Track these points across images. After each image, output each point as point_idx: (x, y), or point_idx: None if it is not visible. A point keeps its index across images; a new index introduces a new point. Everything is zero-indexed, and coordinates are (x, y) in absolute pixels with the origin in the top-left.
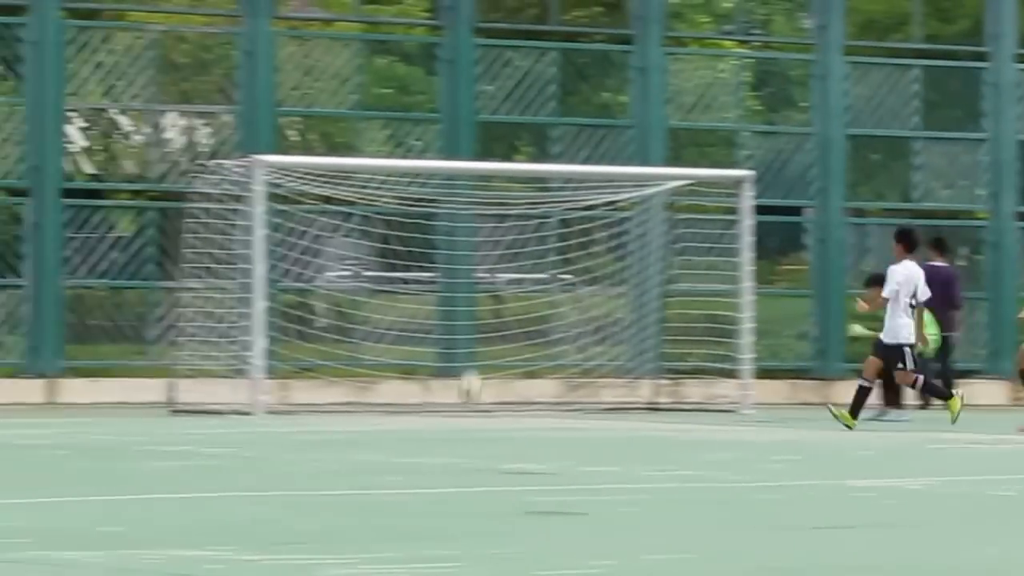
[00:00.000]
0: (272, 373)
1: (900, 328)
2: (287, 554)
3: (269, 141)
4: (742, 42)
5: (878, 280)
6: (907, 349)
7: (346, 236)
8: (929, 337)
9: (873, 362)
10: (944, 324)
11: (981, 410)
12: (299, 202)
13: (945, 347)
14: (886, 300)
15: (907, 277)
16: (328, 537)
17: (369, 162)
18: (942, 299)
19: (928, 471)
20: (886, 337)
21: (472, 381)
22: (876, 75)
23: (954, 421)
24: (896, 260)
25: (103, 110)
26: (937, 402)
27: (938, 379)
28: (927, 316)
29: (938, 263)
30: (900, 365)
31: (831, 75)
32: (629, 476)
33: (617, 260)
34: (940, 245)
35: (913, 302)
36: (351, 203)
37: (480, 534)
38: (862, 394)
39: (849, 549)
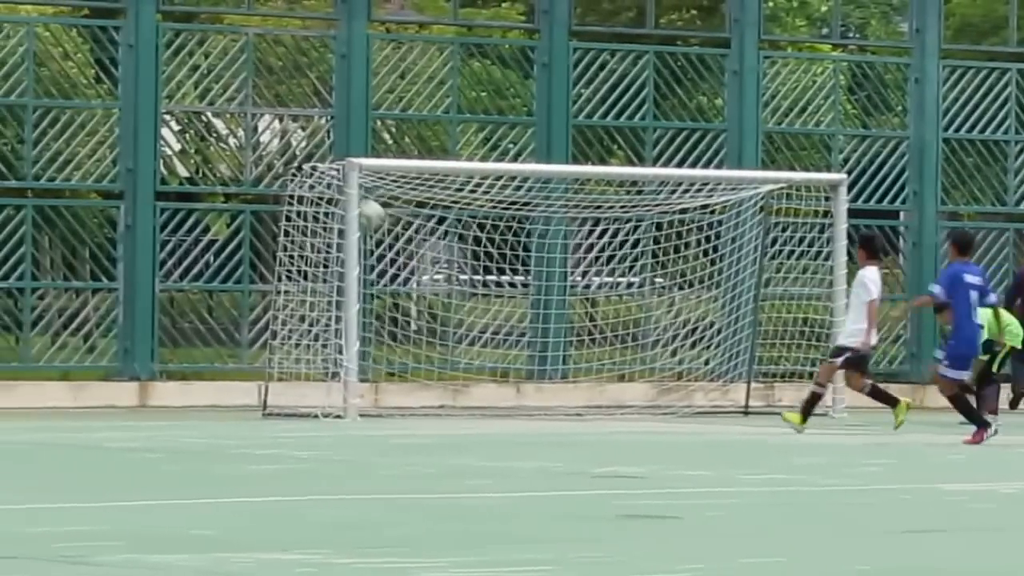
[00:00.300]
0: (365, 376)
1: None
2: (379, 558)
3: (364, 144)
4: (838, 45)
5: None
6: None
7: (440, 239)
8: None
9: (854, 376)
10: None
11: None
12: (394, 205)
13: None
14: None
15: (879, 282)
16: (420, 541)
17: (464, 165)
18: None
19: (1021, 475)
20: (860, 340)
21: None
22: (972, 79)
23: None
24: (861, 266)
25: (198, 113)
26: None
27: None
28: (1002, 313)
29: None
30: (838, 361)
31: (927, 79)
32: (721, 480)
33: (710, 263)
34: None
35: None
36: (445, 206)
37: (572, 538)
38: (878, 395)
39: (942, 553)
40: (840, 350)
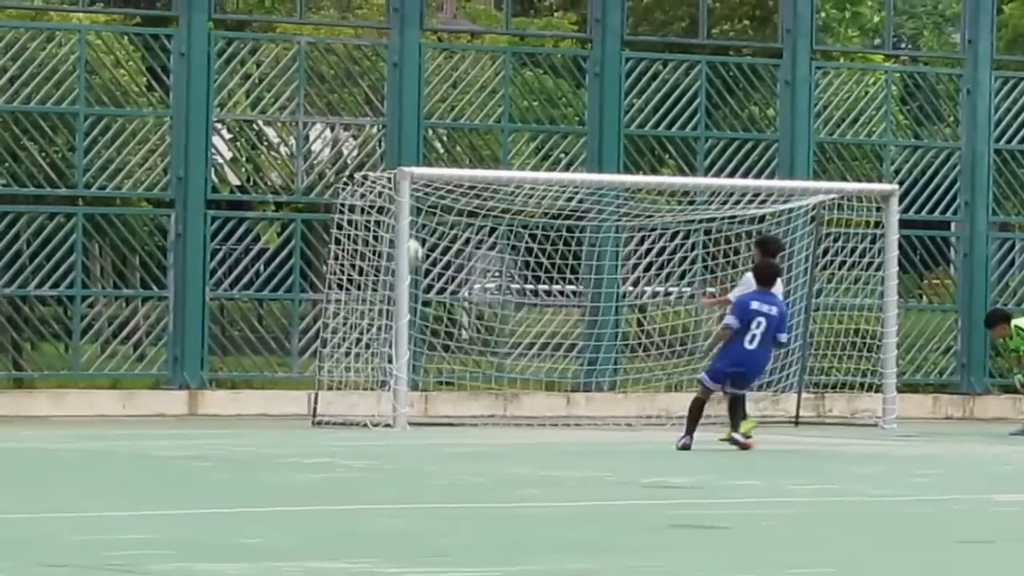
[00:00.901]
0: (415, 385)
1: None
2: (428, 566)
3: (415, 153)
4: (890, 56)
5: (1002, 317)
6: None
7: (491, 248)
8: None
9: None
10: None
11: None
12: (445, 214)
13: None
14: (729, 303)
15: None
16: (470, 550)
17: (515, 174)
18: None
19: None
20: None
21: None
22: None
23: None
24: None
25: (250, 121)
26: None
27: None
28: None
29: None
30: None
31: (979, 89)
32: (772, 490)
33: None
34: None
35: None
36: (496, 216)
37: (623, 548)
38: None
39: (993, 564)
40: None
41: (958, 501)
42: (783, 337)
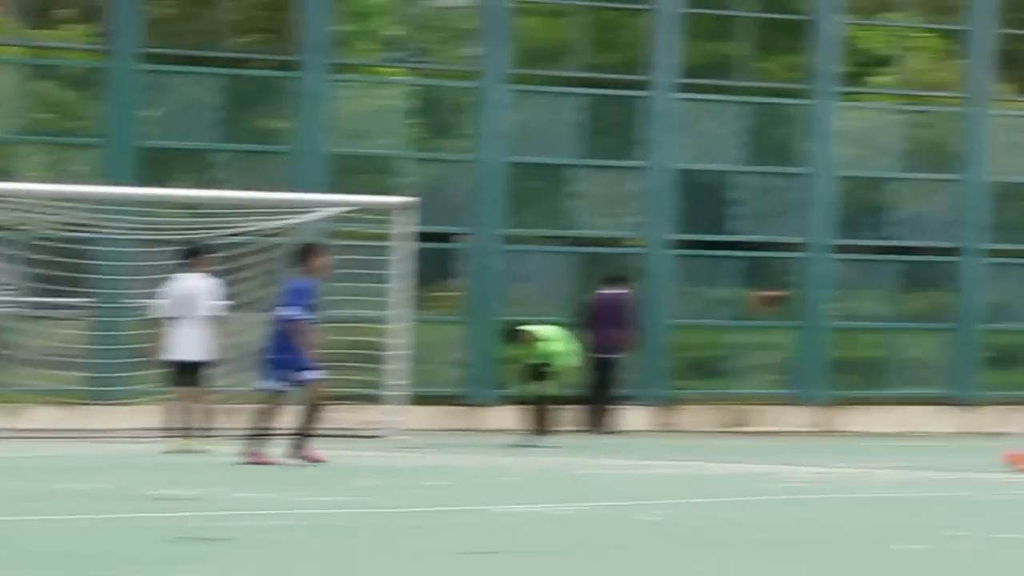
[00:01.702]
0: None
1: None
2: None
3: None
4: (406, 69)
5: (517, 328)
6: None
7: (1, 260)
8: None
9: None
10: (608, 347)
11: (628, 436)
12: None
13: (605, 369)
14: (164, 319)
15: (181, 292)
16: None
17: (27, 187)
18: (608, 322)
19: (574, 496)
20: (203, 355)
21: None
22: (538, 103)
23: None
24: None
25: None
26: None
27: (595, 403)
28: (561, 335)
29: (609, 291)
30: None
31: (493, 103)
32: (279, 502)
33: (265, 286)
34: (612, 280)
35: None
36: (8, 228)
37: (126, 561)
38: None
39: (490, 574)
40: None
41: (461, 512)
42: (289, 311)
